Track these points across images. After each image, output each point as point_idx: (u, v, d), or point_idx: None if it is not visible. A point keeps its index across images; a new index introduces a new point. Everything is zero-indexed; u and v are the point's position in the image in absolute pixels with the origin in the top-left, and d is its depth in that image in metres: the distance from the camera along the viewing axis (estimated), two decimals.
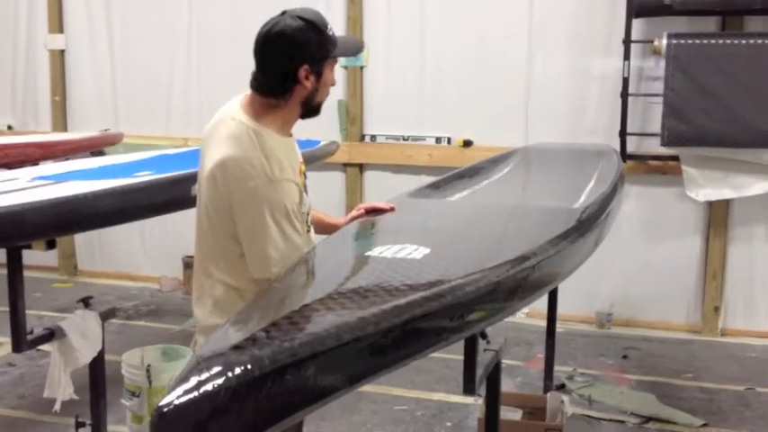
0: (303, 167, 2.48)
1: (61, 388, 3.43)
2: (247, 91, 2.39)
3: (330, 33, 2.36)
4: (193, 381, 1.25)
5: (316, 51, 2.31)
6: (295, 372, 1.35)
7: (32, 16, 6.98)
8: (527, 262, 2.04)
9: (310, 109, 2.40)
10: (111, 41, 6.80)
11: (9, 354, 4.34)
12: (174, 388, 1.25)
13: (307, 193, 2.44)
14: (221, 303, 2.33)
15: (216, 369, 1.27)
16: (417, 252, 2.02)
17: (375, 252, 2.03)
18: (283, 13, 2.34)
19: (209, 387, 1.24)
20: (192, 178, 3.89)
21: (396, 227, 2.50)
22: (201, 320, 2.40)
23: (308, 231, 2.46)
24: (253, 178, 2.21)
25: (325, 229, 2.70)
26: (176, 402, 1.22)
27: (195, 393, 1.23)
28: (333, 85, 2.43)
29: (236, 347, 1.35)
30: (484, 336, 2.79)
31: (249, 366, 1.29)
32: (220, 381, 1.26)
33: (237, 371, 1.28)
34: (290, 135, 2.43)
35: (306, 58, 2.30)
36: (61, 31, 6.92)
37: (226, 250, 2.32)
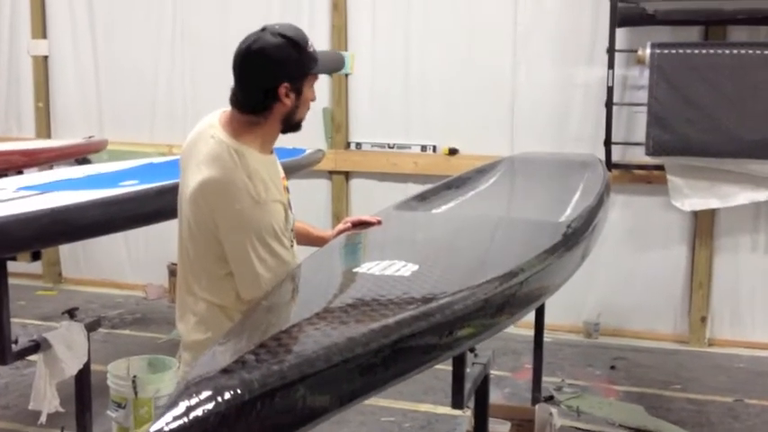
0: (286, 183, 2.46)
1: (47, 400, 3.41)
2: (227, 105, 2.35)
3: (311, 50, 2.33)
4: (182, 406, 1.25)
5: (296, 69, 2.29)
6: (285, 394, 1.35)
7: (15, 22, 6.93)
8: (515, 278, 2.04)
9: (290, 126, 2.37)
10: (95, 47, 6.76)
11: None
12: (163, 413, 1.24)
13: (291, 208, 2.42)
14: (204, 320, 2.32)
15: (205, 394, 1.27)
16: (405, 269, 2.02)
17: (363, 269, 2.03)
18: (263, 29, 2.31)
19: (198, 412, 1.24)
20: (177, 188, 3.90)
21: (383, 241, 2.50)
22: (185, 336, 2.39)
23: (292, 246, 2.45)
24: (239, 201, 2.18)
25: (312, 241, 2.69)
26: (166, 429, 1.21)
27: (185, 419, 1.23)
28: (313, 100, 2.40)
29: (225, 371, 1.35)
30: (472, 349, 2.80)
31: (239, 390, 1.29)
32: (210, 406, 1.25)
33: (227, 395, 1.27)
34: (271, 152, 2.40)
35: (286, 75, 2.27)
36: (45, 36, 6.88)
37: (209, 269, 2.30)
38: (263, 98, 2.28)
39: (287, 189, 2.45)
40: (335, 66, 2.55)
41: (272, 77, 2.26)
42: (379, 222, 2.67)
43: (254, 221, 2.20)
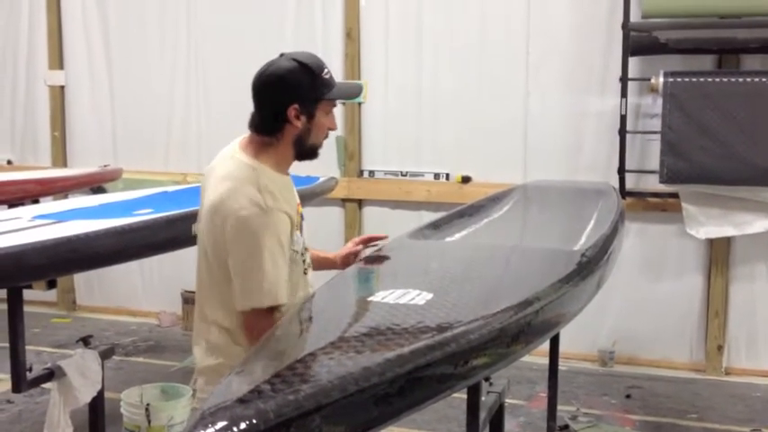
0: (301, 209, 2.49)
1: (61, 428, 3.42)
2: (246, 130, 2.44)
3: (326, 77, 2.38)
4: None
5: (306, 92, 2.35)
6: (300, 424, 1.34)
7: (33, 52, 7.02)
8: (530, 307, 2.03)
9: (304, 150, 2.42)
10: (111, 77, 6.84)
11: (7, 391, 4.29)
12: None
13: (302, 233, 2.45)
14: (214, 345, 2.38)
15: (221, 424, 1.27)
16: (420, 297, 2.02)
17: (377, 297, 2.02)
18: (281, 55, 2.41)
19: None
20: (191, 216, 3.92)
21: (397, 270, 2.49)
22: (198, 361, 2.45)
23: (306, 273, 2.47)
24: (245, 208, 2.24)
25: (321, 264, 2.73)
26: None
27: None
28: (332, 129, 2.45)
29: (241, 400, 1.34)
30: (487, 378, 2.78)
31: (254, 420, 1.28)
32: None
33: (243, 425, 1.27)
34: (287, 174, 2.45)
35: (295, 98, 2.34)
36: (61, 67, 6.96)
37: (221, 291, 2.34)
38: (274, 119, 2.36)
39: (301, 216, 2.48)
40: (351, 94, 2.61)
41: (281, 99, 2.34)
42: (385, 237, 2.73)
43: (259, 227, 2.23)
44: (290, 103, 2.33)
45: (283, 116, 2.34)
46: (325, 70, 2.40)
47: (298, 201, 2.49)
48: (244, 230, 2.23)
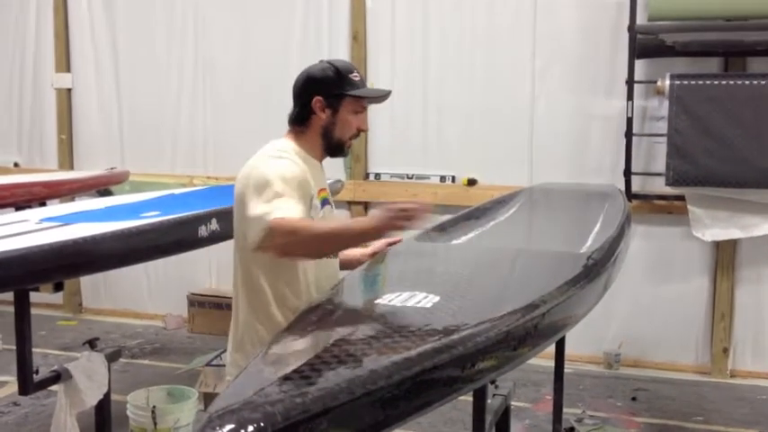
0: (326, 194, 2.66)
1: (67, 431, 3.42)
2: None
3: (353, 78, 2.61)
4: None
5: (330, 87, 2.58)
6: (308, 427, 1.35)
7: (40, 55, 7.05)
8: (537, 310, 2.03)
9: (332, 144, 2.63)
10: (118, 80, 6.86)
11: (14, 393, 4.31)
12: None
13: (324, 210, 2.61)
14: (239, 342, 2.55)
15: (228, 427, 1.27)
16: (427, 300, 2.02)
17: (384, 300, 2.03)
18: (320, 61, 2.68)
19: None
20: (198, 219, 3.94)
21: (404, 273, 2.50)
22: (228, 357, 2.62)
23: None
24: (265, 164, 2.46)
25: (350, 263, 2.80)
26: None
27: None
28: (361, 129, 2.66)
29: (248, 403, 1.35)
30: (493, 381, 2.78)
31: (262, 423, 1.28)
32: None
33: (250, 428, 1.27)
34: (318, 161, 2.65)
35: (320, 90, 2.57)
36: (68, 70, 6.98)
37: (246, 280, 2.51)
38: (302, 109, 2.60)
39: (326, 201, 2.65)
40: (376, 95, 2.74)
41: (308, 91, 2.59)
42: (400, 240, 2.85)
43: (276, 170, 2.42)
44: (315, 94, 2.57)
45: (309, 107, 2.57)
46: (354, 72, 2.63)
47: (325, 186, 2.66)
48: (259, 176, 2.41)
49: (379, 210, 2.36)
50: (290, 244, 2.28)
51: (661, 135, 5.29)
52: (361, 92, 2.61)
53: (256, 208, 2.34)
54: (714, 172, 5.11)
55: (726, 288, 5.48)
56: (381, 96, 2.69)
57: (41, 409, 4.63)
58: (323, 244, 2.38)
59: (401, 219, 2.31)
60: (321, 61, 2.65)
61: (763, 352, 5.51)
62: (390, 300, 2.02)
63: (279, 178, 2.37)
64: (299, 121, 2.60)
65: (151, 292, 6.87)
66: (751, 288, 5.48)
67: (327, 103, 2.57)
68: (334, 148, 2.64)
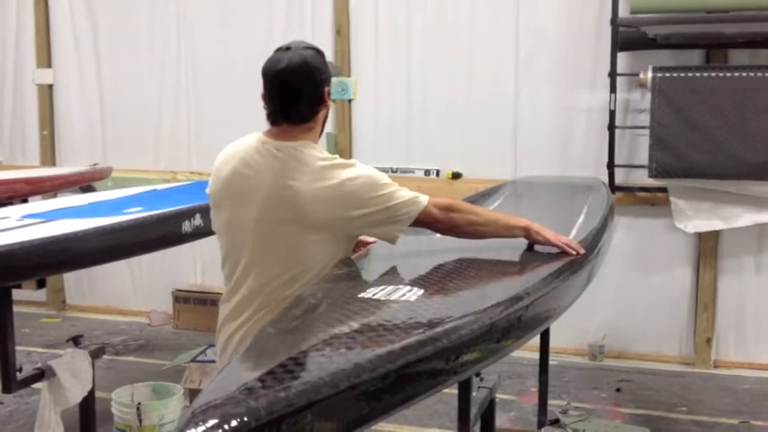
0: None
1: (51, 428, 3.41)
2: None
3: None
4: None
5: (329, 73, 2.50)
6: (292, 421, 1.34)
7: (20, 51, 6.99)
8: (520, 302, 2.04)
9: (322, 131, 2.58)
10: (100, 76, 6.81)
11: None
12: None
13: None
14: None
15: (212, 422, 1.26)
16: (411, 293, 2.02)
17: (368, 294, 2.03)
18: (288, 48, 2.47)
19: None
20: (181, 214, 3.92)
21: (388, 267, 2.50)
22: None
23: None
24: (362, 167, 2.50)
25: None
26: None
27: None
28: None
29: (232, 398, 1.34)
30: (477, 373, 2.79)
31: (245, 418, 1.28)
32: None
33: (234, 423, 1.27)
34: None
35: (327, 78, 2.48)
36: (49, 65, 6.93)
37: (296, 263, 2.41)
38: (315, 103, 2.47)
39: None
40: (336, 72, 2.69)
41: (319, 83, 2.46)
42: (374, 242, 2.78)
43: (368, 171, 2.50)
44: (326, 84, 2.47)
45: (321, 98, 2.47)
46: None
47: None
48: (368, 176, 2.43)
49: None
50: (469, 221, 2.50)
51: (644, 127, 5.31)
52: (336, 72, 2.61)
53: (401, 191, 2.47)
54: (696, 164, 5.14)
55: (708, 279, 5.52)
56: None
57: (25, 407, 4.60)
58: (489, 226, 2.54)
59: (553, 241, 2.53)
60: (297, 48, 2.45)
61: (745, 342, 5.56)
62: (374, 293, 2.02)
63: (380, 173, 2.48)
64: (311, 116, 2.47)
65: (135, 289, 6.84)
66: (733, 279, 5.53)
67: (329, 90, 2.50)
68: (321, 134, 2.59)
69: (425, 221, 2.49)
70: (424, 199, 2.50)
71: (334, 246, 2.41)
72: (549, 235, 2.56)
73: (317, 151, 2.42)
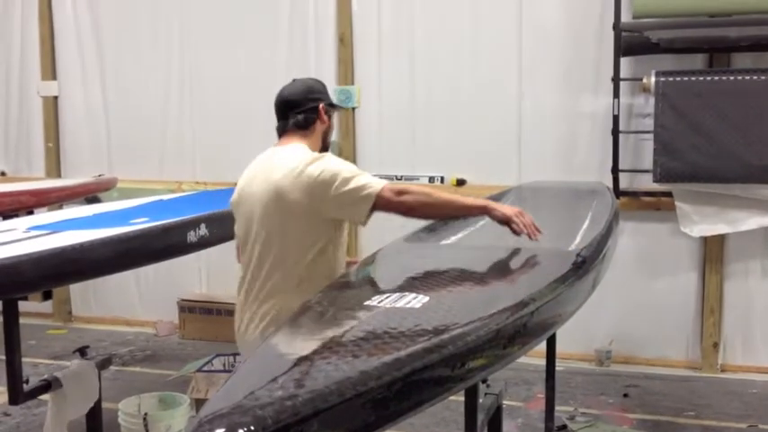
0: None
1: None
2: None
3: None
4: None
5: (327, 98, 3.06)
6: (298, 430, 1.34)
7: (25, 63, 7.02)
8: (526, 308, 2.03)
9: (324, 147, 3.05)
10: (104, 87, 6.84)
11: (4, 403, 4.29)
12: None
13: None
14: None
15: (219, 431, 1.26)
16: (416, 301, 2.02)
17: (374, 301, 2.03)
18: (294, 81, 3.07)
19: None
20: (187, 224, 3.93)
21: (393, 274, 2.50)
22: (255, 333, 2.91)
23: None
24: (329, 158, 2.90)
25: None
26: None
27: None
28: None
29: (238, 407, 1.34)
30: (484, 380, 2.78)
31: (252, 427, 1.28)
32: None
33: None
34: None
35: (322, 98, 3.03)
36: (54, 77, 6.96)
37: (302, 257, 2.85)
38: (311, 114, 2.97)
39: None
40: (341, 108, 3.53)
41: (315, 97, 3.00)
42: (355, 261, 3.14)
43: (335, 161, 2.90)
44: (321, 100, 3.00)
45: (316, 110, 2.97)
46: None
47: None
48: (332, 164, 2.77)
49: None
50: (421, 202, 2.74)
51: (648, 132, 5.31)
52: (339, 104, 3.16)
53: (359, 177, 2.73)
54: (701, 168, 5.14)
55: (714, 283, 5.50)
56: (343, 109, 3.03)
57: (32, 419, 4.60)
58: (444, 207, 2.82)
59: (515, 215, 2.70)
60: (295, 80, 3.04)
61: (752, 346, 5.54)
62: (380, 301, 2.02)
63: (349, 164, 2.83)
64: (306, 125, 2.96)
65: (141, 299, 6.85)
66: (739, 282, 5.51)
67: (325, 111, 3.00)
68: (324, 150, 3.01)
69: (382, 204, 2.74)
70: (380, 183, 2.75)
71: (316, 231, 2.80)
72: (507, 210, 2.77)
73: (301, 151, 2.85)
